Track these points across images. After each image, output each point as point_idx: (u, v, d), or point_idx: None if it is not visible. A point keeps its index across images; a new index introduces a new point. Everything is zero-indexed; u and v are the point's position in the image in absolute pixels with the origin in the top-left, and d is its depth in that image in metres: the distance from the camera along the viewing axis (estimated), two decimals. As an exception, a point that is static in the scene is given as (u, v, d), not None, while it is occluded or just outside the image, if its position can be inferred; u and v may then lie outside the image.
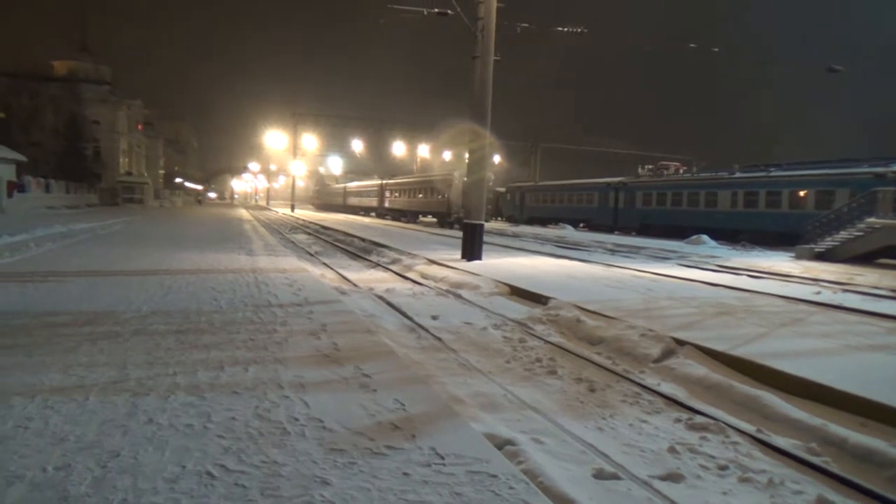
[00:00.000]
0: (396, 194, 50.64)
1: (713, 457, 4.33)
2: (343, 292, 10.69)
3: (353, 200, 66.81)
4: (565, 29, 22.42)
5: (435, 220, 43.22)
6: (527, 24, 20.50)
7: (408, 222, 44.69)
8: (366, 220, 47.87)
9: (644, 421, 5.02)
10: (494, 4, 15.32)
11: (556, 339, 7.81)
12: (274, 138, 71.54)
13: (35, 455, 3.28)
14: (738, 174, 32.77)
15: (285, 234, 27.43)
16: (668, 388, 5.92)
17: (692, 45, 26.82)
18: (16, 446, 3.38)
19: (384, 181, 55.04)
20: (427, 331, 7.97)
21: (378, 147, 69.61)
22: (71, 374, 4.70)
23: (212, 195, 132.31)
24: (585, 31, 22.47)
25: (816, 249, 21.71)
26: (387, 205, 53.09)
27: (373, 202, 58.11)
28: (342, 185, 74.75)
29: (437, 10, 17.94)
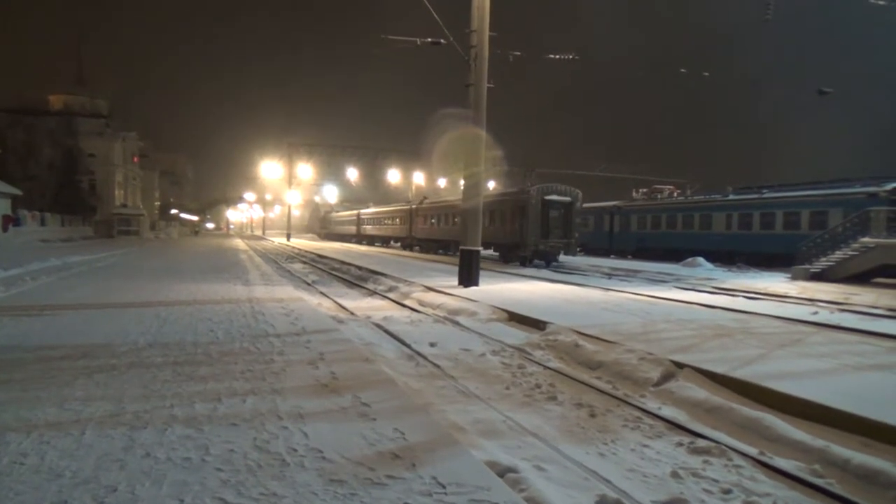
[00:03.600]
0: (434, 221, 39.08)
1: (716, 480, 4.29)
2: (340, 321, 10.65)
3: (369, 229, 56.80)
4: (557, 56, 22.72)
5: (496, 253, 31.44)
6: (518, 53, 20.80)
7: (446, 255, 35.09)
8: (361, 248, 47.11)
9: (646, 445, 4.98)
10: (487, 34, 15.55)
11: (555, 364, 7.79)
12: (269, 168, 71.95)
13: (31, 492, 3.24)
14: (731, 196, 33.00)
15: (281, 264, 27.41)
16: (669, 411, 5.89)
17: (682, 70, 27.15)
18: (11, 483, 3.34)
19: (415, 205, 44.02)
20: (425, 358, 7.94)
21: (373, 175, 69.90)
22: (67, 409, 4.65)
23: (210, 226, 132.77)
24: (577, 57, 22.78)
25: (812, 270, 21.77)
26: (418, 234, 42.13)
27: (397, 230, 47.55)
28: (353, 212, 64.12)
29: (430, 39, 18.17)
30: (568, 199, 26.93)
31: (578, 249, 36.91)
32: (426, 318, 11.54)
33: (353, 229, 62.34)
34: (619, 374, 7.11)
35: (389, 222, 50.25)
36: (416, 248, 42.28)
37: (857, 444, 4.81)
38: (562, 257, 28.73)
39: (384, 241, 52.84)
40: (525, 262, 26.91)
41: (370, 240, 56.05)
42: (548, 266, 26.51)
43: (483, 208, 29.46)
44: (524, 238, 26.52)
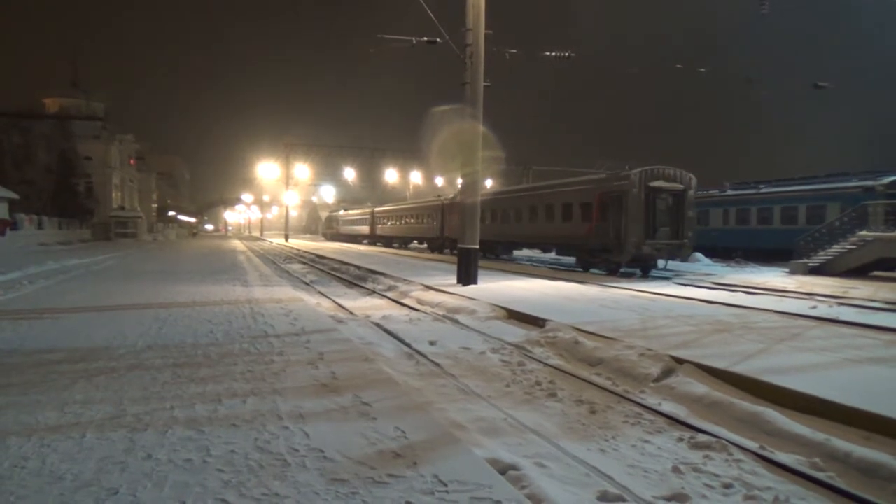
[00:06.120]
0: (485, 217, 27.26)
1: (717, 475, 4.30)
2: (340, 320, 10.65)
3: (386, 229, 50.70)
4: (553, 54, 22.71)
5: (559, 256, 26.65)
6: (514, 50, 20.78)
7: (495, 260, 28.10)
8: (362, 248, 46.60)
9: (646, 441, 4.99)
10: (482, 32, 15.53)
11: (555, 361, 7.79)
12: (266, 169, 71.87)
13: (32, 495, 3.24)
14: (728, 192, 33.01)
15: (280, 265, 27.38)
16: (669, 407, 5.90)
17: (678, 66, 27.15)
18: (13, 487, 3.33)
19: (447, 200, 36.21)
20: (425, 357, 7.94)
21: (370, 175, 69.68)
22: (67, 412, 4.65)
23: (209, 227, 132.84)
24: (573, 55, 22.76)
25: (810, 264, 21.80)
26: (453, 234, 33.11)
27: (424, 230, 40.43)
28: (365, 210, 58.33)
29: (425, 38, 18.16)
30: (679, 185, 20.36)
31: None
32: (425, 317, 11.54)
33: (364, 230, 56.49)
34: (619, 370, 7.11)
35: (413, 221, 43.20)
36: (447, 250, 35.37)
37: (857, 438, 4.82)
38: (661, 264, 21.81)
39: (404, 242, 47.53)
40: (616, 270, 21.03)
41: (386, 241, 50.60)
42: (645, 275, 20.79)
43: (552, 199, 24.25)
44: (622, 238, 19.88)
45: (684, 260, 21.85)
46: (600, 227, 20.98)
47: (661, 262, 21.32)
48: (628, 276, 19.92)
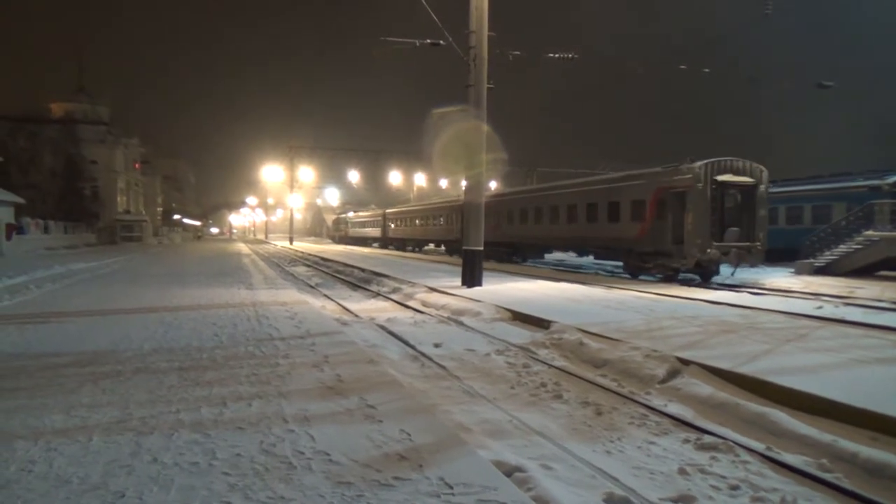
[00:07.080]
0: (500, 218, 28.20)
1: (724, 477, 4.28)
2: (344, 323, 10.66)
3: (399, 231, 48.03)
4: (556, 55, 22.67)
5: (598, 260, 24.92)
6: (518, 52, 20.75)
7: (520, 263, 26.87)
8: (365, 250, 46.72)
9: (652, 443, 4.97)
10: (486, 34, 15.54)
11: (560, 362, 7.78)
12: (271, 172, 71.94)
13: (39, 499, 3.25)
14: (733, 191, 32.86)
15: (284, 268, 27.43)
16: (675, 408, 5.88)
17: (682, 67, 27.07)
18: (20, 490, 3.34)
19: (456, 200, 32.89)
20: (430, 359, 7.93)
21: (374, 177, 69.49)
22: (73, 416, 4.67)
23: (214, 230, 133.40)
24: (576, 56, 22.71)
25: (816, 264, 21.74)
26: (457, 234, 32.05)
27: (441, 232, 38.03)
28: (377, 212, 55.81)
29: (429, 40, 18.16)
30: (750, 179, 17.69)
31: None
32: (430, 319, 11.54)
33: (376, 232, 54.56)
34: (625, 371, 7.09)
35: (429, 222, 40.62)
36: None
37: (864, 439, 4.79)
38: (727, 271, 19.36)
39: (418, 244, 45.38)
40: (674, 277, 18.64)
41: (399, 244, 48.50)
42: (706, 282, 18.43)
43: (595, 197, 21.46)
44: (684, 240, 17.42)
45: (755, 265, 19.19)
46: (656, 227, 18.38)
47: (725, 269, 19.40)
48: (687, 283, 17.96)
